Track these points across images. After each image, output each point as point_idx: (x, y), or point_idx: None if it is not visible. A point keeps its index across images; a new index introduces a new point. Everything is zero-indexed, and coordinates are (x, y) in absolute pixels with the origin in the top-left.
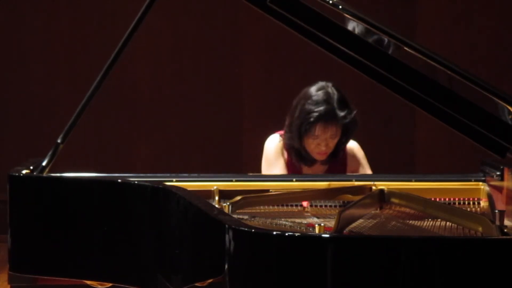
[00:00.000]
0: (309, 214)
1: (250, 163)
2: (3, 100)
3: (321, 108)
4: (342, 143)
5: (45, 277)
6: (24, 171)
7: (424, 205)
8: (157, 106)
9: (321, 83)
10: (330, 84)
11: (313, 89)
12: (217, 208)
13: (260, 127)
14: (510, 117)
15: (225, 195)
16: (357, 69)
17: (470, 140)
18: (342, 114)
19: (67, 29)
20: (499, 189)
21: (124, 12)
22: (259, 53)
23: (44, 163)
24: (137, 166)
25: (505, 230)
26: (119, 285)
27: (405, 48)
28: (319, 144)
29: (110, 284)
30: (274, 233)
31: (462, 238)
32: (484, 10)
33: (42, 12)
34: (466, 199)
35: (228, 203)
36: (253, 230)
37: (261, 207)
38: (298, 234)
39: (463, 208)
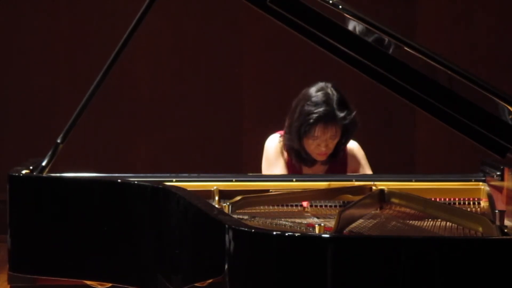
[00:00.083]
0: (309, 214)
1: (250, 163)
2: (3, 100)
3: (321, 109)
4: (342, 143)
5: (45, 277)
6: (24, 171)
7: (424, 205)
8: (157, 106)
9: (320, 84)
10: (329, 85)
11: (312, 90)
12: (217, 208)
13: (260, 127)
14: (510, 117)
15: (225, 195)
16: (357, 69)
17: (470, 140)
18: (341, 115)
19: (67, 29)
20: (499, 189)
21: (124, 12)
22: (259, 53)
23: (44, 163)
24: (137, 166)
25: (505, 230)
26: (119, 285)
27: (405, 48)
28: (319, 145)
29: (110, 284)
30: (274, 233)
31: (462, 238)
32: (484, 10)
33: (42, 12)
34: (466, 199)
35: (228, 203)
36: (253, 230)
37: (261, 207)
38: (298, 234)
39: (463, 208)
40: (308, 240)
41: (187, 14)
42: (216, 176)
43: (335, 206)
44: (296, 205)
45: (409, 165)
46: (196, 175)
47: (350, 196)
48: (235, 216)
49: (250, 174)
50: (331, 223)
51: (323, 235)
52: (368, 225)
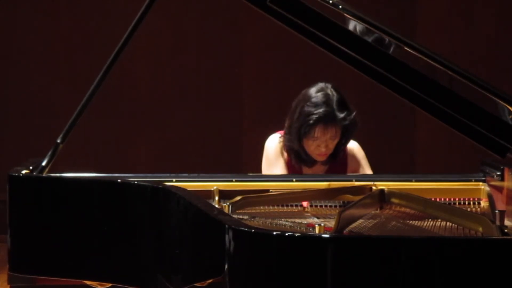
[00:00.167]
0: (309, 214)
1: (250, 163)
2: (3, 100)
3: (321, 110)
4: (342, 144)
5: (45, 277)
6: (23, 171)
7: (424, 205)
8: (157, 106)
9: (320, 84)
10: (329, 85)
11: (312, 91)
12: (217, 208)
13: (260, 127)
14: (510, 117)
15: (225, 195)
16: (357, 69)
17: (470, 140)
18: (341, 115)
19: (67, 29)
20: (499, 189)
21: (124, 12)
22: (259, 53)
23: (43, 163)
24: (137, 166)
25: (506, 230)
26: (119, 285)
27: (405, 48)
28: (319, 146)
29: (110, 284)
30: (274, 233)
31: (462, 238)
32: (484, 10)
33: (42, 12)
34: (466, 199)
35: (228, 203)
36: (253, 230)
37: (261, 207)
38: (298, 234)
39: (463, 208)
40: (308, 240)
41: (187, 14)
42: (216, 176)
43: (335, 206)
44: (296, 205)
45: (409, 165)
46: (196, 175)
47: (350, 196)
48: (235, 216)
49: (250, 174)
50: (331, 223)
51: (323, 235)
52: (368, 225)
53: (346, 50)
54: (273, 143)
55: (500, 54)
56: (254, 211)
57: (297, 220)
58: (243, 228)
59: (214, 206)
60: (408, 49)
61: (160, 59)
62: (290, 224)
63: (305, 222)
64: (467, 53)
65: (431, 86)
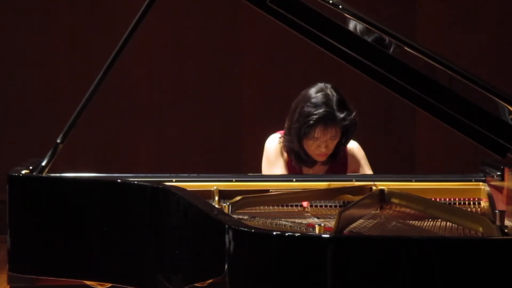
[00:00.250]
0: (309, 214)
1: (250, 163)
2: (3, 100)
3: (321, 110)
4: (342, 144)
5: (45, 278)
6: (23, 171)
7: (424, 205)
8: (157, 106)
9: (320, 85)
10: (329, 86)
11: (312, 91)
12: (217, 208)
13: (260, 127)
14: (510, 117)
15: (225, 195)
16: (357, 69)
17: (470, 140)
18: (341, 116)
19: (67, 28)
20: (500, 189)
21: (124, 12)
22: (259, 53)
23: (43, 163)
24: (137, 166)
25: (506, 231)
26: (119, 285)
27: (405, 48)
28: (319, 146)
29: (110, 284)
30: (274, 233)
31: (462, 238)
32: (484, 10)
33: (42, 12)
34: (467, 199)
35: (228, 203)
36: (253, 230)
37: (261, 207)
38: (298, 234)
39: (464, 208)
40: (308, 240)
41: (187, 14)
42: (216, 176)
43: (335, 206)
44: (296, 205)
45: (409, 165)
46: (196, 175)
47: (350, 196)
48: (235, 216)
49: (250, 174)
50: (331, 223)
51: (323, 235)
52: (368, 225)
53: (346, 50)
54: (273, 143)
55: (500, 54)
56: (254, 211)
57: (297, 220)
58: (243, 228)
59: (214, 206)
60: (408, 49)
61: (160, 59)
62: (290, 224)
63: (305, 222)
64: (467, 53)
65: (431, 86)
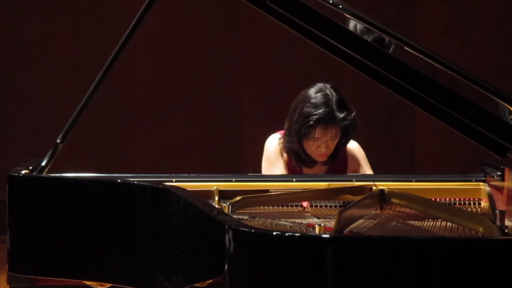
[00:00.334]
0: (309, 214)
1: (250, 163)
2: (3, 100)
3: (320, 110)
4: (342, 144)
5: (45, 278)
6: (23, 171)
7: (424, 205)
8: (157, 106)
9: (319, 85)
10: (328, 86)
11: (311, 91)
12: (217, 208)
13: (260, 127)
14: (510, 117)
15: (225, 195)
16: (357, 69)
17: (470, 140)
18: (341, 115)
19: (66, 28)
20: (500, 189)
21: (124, 12)
22: (259, 53)
23: (43, 163)
24: (137, 166)
25: (506, 231)
26: (119, 285)
27: (405, 48)
28: (319, 146)
29: (110, 285)
30: (274, 233)
31: (462, 238)
32: (484, 10)
33: (42, 12)
34: (467, 199)
35: (228, 203)
36: (253, 231)
37: (261, 207)
38: (298, 234)
39: (464, 209)
40: (308, 240)
41: (187, 14)
42: (216, 176)
43: (335, 206)
44: (296, 205)
45: (409, 165)
46: (196, 175)
47: (350, 196)
48: (235, 216)
49: (250, 174)
50: (331, 223)
51: (323, 235)
52: (368, 225)
53: (346, 50)
54: (273, 143)
55: (500, 54)
56: (254, 211)
57: (297, 220)
58: (243, 228)
59: (214, 206)
60: (408, 49)
61: (160, 59)
62: (290, 224)
63: (305, 222)
64: (467, 53)
65: (431, 86)
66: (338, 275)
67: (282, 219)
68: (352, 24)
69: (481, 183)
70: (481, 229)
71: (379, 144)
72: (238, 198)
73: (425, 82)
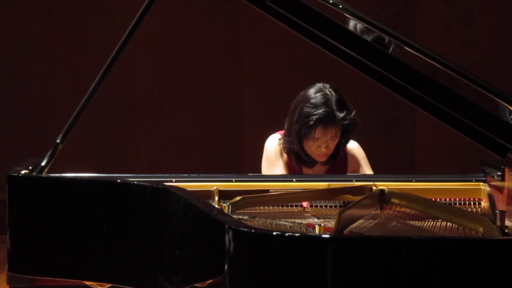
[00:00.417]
0: (309, 214)
1: (250, 163)
2: (3, 100)
3: (320, 110)
4: (342, 143)
5: (44, 278)
6: (23, 171)
7: (424, 205)
8: (157, 106)
9: (318, 85)
10: (327, 86)
11: (311, 92)
12: (217, 208)
13: (260, 127)
14: (510, 117)
15: (225, 195)
16: (357, 69)
17: (470, 140)
18: (341, 115)
19: (66, 28)
20: (500, 189)
21: (124, 12)
22: (259, 53)
23: (43, 163)
24: (137, 166)
25: (506, 231)
26: (119, 285)
27: (405, 48)
28: (319, 146)
29: (110, 285)
30: (274, 233)
31: (462, 238)
32: (484, 10)
33: (42, 12)
34: (467, 199)
35: (228, 204)
36: (253, 231)
37: (261, 207)
38: (298, 234)
39: (464, 209)
40: (308, 241)
41: (187, 14)
42: (216, 176)
43: (335, 206)
44: (296, 205)
45: (409, 165)
46: (196, 175)
47: (350, 196)
48: (235, 216)
49: (250, 174)
50: (331, 224)
51: (323, 236)
52: (368, 226)
53: (346, 50)
54: (273, 143)
55: (500, 54)
56: (254, 211)
57: (297, 221)
58: (243, 228)
59: (214, 206)
60: (408, 49)
61: (160, 59)
62: (290, 224)
63: (305, 223)
64: (467, 53)
65: (431, 86)
66: (338, 275)
67: (282, 219)
68: (352, 24)
69: (481, 183)
70: (481, 229)
71: (379, 144)
72: (238, 198)
73: (425, 82)
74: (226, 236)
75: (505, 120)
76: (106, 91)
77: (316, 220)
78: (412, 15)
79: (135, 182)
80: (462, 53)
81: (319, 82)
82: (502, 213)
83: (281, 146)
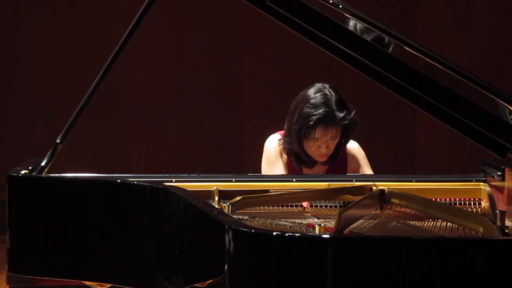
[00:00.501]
0: (309, 214)
1: (250, 163)
2: (3, 100)
3: (320, 111)
4: (342, 143)
5: (44, 278)
6: (23, 171)
7: (424, 205)
8: (157, 106)
9: (318, 85)
10: (327, 86)
11: (310, 92)
12: (217, 208)
13: (260, 127)
14: (510, 117)
15: (225, 195)
16: (357, 69)
17: (470, 140)
18: (341, 115)
19: (67, 28)
20: (500, 189)
21: (124, 12)
22: (259, 53)
23: (43, 163)
24: (137, 166)
25: (506, 231)
26: (119, 285)
27: (405, 47)
28: (319, 146)
29: (110, 285)
30: (274, 233)
31: (462, 238)
32: (484, 10)
33: (42, 12)
34: (467, 199)
35: (228, 204)
36: (253, 231)
37: (261, 207)
38: (298, 234)
39: (464, 209)
40: (308, 241)
41: (187, 14)
42: (216, 176)
43: (335, 206)
44: (296, 206)
45: (409, 165)
46: (196, 175)
47: (350, 196)
48: (235, 216)
49: (250, 174)
50: (331, 224)
51: (323, 236)
52: (369, 226)
53: (346, 50)
54: (273, 143)
55: (500, 54)
56: (254, 211)
57: (297, 221)
58: (243, 228)
59: (214, 206)
60: (408, 49)
61: (160, 59)
62: (290, 224)
63: (305, 223)
64: (467, 53)
65: (431, 86)
66: (338, 275)
67: (282, 219)
68: (352, 23)
69: (481, 183)
70: (481, 229)
71: (379, 144)
72: (238, 198)
73: (425, 82)
74: (226, 236)
75: (505, 120)
76: (106, 91)
77: (316, 220)
78: (412, 15)
79: (135, 182)
80: (462, 53)
81: (319, 82)
82: (502, 213)
83: (281, 146)
